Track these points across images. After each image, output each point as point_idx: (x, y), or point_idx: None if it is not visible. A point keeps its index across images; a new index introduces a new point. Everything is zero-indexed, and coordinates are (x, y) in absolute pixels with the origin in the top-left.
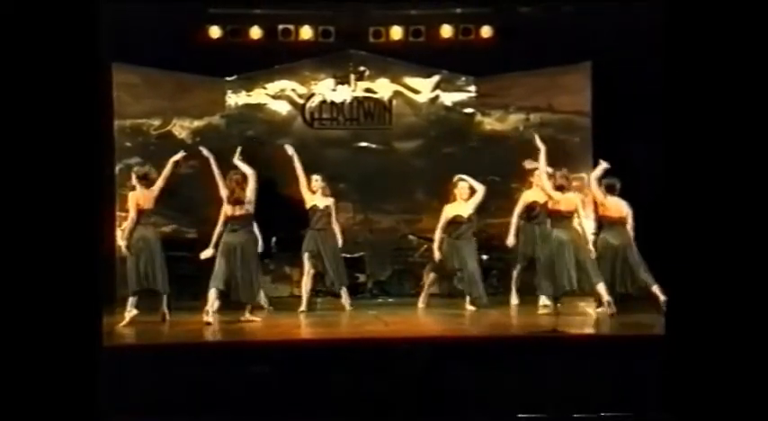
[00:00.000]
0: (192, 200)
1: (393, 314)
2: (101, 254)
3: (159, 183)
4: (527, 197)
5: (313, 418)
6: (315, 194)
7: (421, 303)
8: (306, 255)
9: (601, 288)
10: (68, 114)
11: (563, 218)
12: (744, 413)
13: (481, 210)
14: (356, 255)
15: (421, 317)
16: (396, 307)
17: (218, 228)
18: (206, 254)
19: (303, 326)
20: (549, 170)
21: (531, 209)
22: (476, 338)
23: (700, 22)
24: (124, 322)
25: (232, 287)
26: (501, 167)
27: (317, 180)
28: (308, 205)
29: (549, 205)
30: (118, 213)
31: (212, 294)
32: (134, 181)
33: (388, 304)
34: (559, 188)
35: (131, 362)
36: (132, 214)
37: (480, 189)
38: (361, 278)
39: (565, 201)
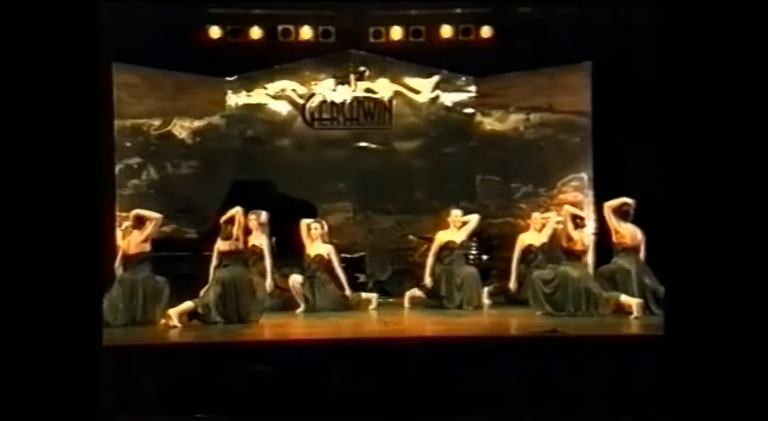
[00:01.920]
0: (192, 200)
1: (393, 314)
2: (100, 253)
3: (151, 230)
4: (523, 240)
5: (313, 418)
6: (314, 242)
7: (406, 303)
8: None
9: (625, 298)
10: (68, 114)
11: (576, 257)
12: (744, 413)
13: (481, 210)
14: (356, 255)
15: (421, 317)
16: (396, 307)
17: (214, 262)
18: (207, 289)
19: (303, 326)
20: (574, 211)
21: (528, 251)
22: (476, 338)
23: (700, 21)
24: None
25: (218, 313)
26: (501, 167)
27: (315, 228)
28: (306, 252)
29: (565, 245)
30: (118, 213)
31: (186, 305)
32: (130, 225)
33: (388, 304)
34: (576, 227)
35: (131, 362)
36: (117, 260)
37: (474, 218)
38: (362, 278)
39: (581, 240)
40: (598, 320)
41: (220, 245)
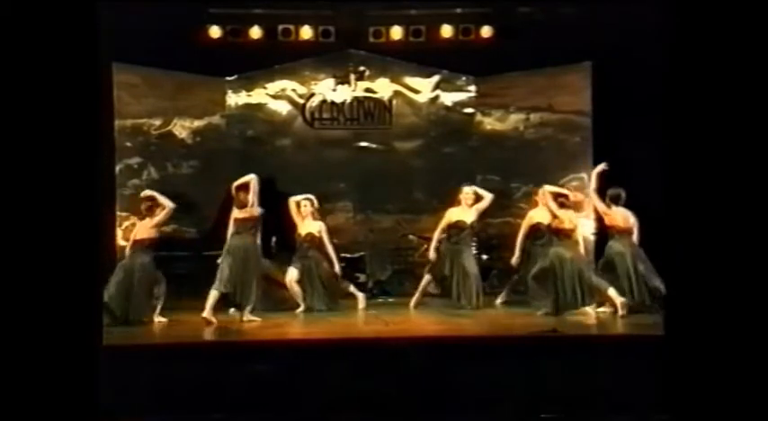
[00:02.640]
0: (193, 200)
1: (393, 314)
2: (101, 253)
3: (161, 218)
4: (531, 217)
5: (313, 418)
6: (304, 220)
7: (412, 304)
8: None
9: (612, 292)
10: (69, 114)
11: (565, 236)
12: (744, 413)
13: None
14: (356, 254)
15: (421, 317)
16: (396, 307)
17: (230, 231)
18: (221, 260)
19: (303, 325)
20: (554, 190)
21: (536, 229)
22: (476, 338)
23: (700, 21)
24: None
25: (235, 290)
26: (501, 167)
27: (305, 205)
28: (297, 231)
29: (553, 224)
30: (118, 213)
31: (213, 297)
32: (142, 209)
33: (388, 304)
34: (561, 206)
35: (131, 362)
36: (129, 244)
37: (488, 196)
38: (362, 278)
39: (568, 219)
40: (596, 321)
41: (236, 213)
